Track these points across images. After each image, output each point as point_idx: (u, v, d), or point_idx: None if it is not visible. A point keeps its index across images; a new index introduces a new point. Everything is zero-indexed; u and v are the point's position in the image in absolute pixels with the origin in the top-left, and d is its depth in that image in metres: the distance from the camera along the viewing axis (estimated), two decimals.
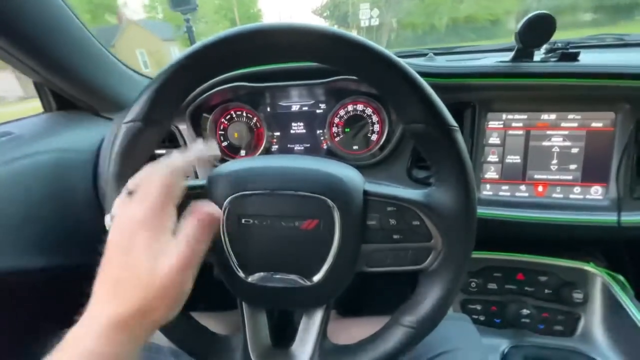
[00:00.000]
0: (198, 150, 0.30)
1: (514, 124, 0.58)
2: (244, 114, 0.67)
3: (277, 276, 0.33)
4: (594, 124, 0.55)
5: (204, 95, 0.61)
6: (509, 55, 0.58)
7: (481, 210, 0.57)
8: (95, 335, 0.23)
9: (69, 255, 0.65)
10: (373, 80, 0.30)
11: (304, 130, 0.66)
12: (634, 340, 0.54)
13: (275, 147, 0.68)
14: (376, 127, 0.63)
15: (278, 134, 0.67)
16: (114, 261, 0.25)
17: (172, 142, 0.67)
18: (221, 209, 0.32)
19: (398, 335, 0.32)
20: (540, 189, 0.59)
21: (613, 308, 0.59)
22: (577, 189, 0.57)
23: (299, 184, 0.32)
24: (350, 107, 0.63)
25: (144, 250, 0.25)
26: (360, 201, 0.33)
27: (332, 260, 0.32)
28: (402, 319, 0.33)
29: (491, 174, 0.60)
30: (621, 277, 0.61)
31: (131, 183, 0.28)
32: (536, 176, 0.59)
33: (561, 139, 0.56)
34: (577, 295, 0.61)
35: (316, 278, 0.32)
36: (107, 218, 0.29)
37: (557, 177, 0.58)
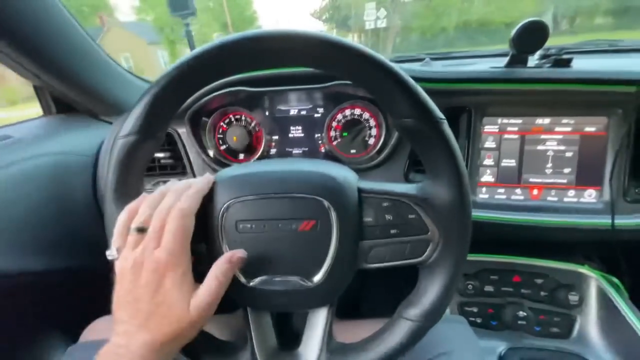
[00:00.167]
0: (203, 186, 0.33)
1: (509, 128, 0.59)
2: (243, 118, 0.67)
3: (278, 279, 0.33)
4: (587, 129, 0.56)
5: (203, 100, 0.62)
6: (504, 61, 0.59)
7: (477, 213, 0.58)
8: (131, 357, 0.27)
9: (68, 258, 0.65)
10: (362, 80, 0.31)
11: (302, 134, 0.67)
12: (628, 341, 0.54)
13: (273, 151, 0.68)
14: (373, 131, 0.64)
15: (276, 137, 0.68)
16: (144, 298, 0.28)
17: (171, 144, 0.67)
18: (218, 215, 0.33)
19: (404, 330, 0.32)
20: (535, 192, 0.60)
21: (608, 310, 0.59)
22: (571, 192, 0.58)
23: (293, 187, 0.32)
24: (347, 112, 0.64)
25: (176, 290, 0.29)
26: (355, 199, 0.33)
27: (331, 260, 0.32)
28: (406, 313, 0.33)
29: (487, 177, 0.61)
30: (615, 280, 0.61)
31: (140, 219, 0.30)
32: (531, 180, 0.59)
33: (555, 143, 0.57)
34: (573, 298, 0.61)
35: (317, 278, 0.32)
36: (113, 251, 0.30)
37: (551, 180, 0.59)
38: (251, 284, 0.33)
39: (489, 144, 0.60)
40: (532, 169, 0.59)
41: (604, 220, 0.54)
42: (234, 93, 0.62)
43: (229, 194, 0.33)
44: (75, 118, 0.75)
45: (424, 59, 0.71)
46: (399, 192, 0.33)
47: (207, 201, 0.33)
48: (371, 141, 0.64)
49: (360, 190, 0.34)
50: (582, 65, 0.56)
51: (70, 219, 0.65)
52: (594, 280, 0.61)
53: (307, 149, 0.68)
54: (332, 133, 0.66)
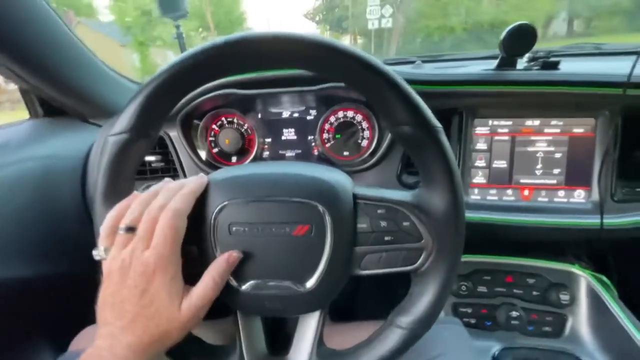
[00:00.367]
0: (197, 187, 0.32)
1: (499, 130, 0.59)
2: (235, 121, 0.67)
3: (271, 283, 0.33)
4: (575, 130, 0.57)
5: (195, 102, 0.61)
6: (494, 64, 0.60)
7: (470, 214, 0.58)
8: (115, 358, 0.26)
9: (56, 265, 0.64)
10: (359, 85, 0.31)
11: (295, 137, 0.67)
12: (618, 339, 0.55)
13: (266, 154, 0.68)
14: (366, 133, 0.64)
15: (269, 140, 0.67)
16: (130, 300, 0.27)
17: (162, 147, 0.66)
18: (211, 217, 0.32)
19: (394, 337, 0.32)
20: (526, 192, 0.60)
21: (598, 308, 0.60)
22: (561, 193, 0.59)
23: (288, 191, 0.32)
24: (340, 114, 0.64)
25: (164, 293, 0.28)
26: (350, 205, 0.33)
27: (325, 265, 0.32)
28: (398, 320, 0.33)
29: (479, 178, 0.61)
30: (605, 278, 0.62)
31: (129, 218, 0.29)
32: (522, 180, 0.60)
33: (545, 144, 0.58)
34: (564, 297, 0.62)
35: (310, 284, 0.32)
36: (100, 251, 0.29)
37: (542, 181, 0.59)
38: (243, 287, 0.33)
39: (481, 145, 0.60)
40: (522, 170, 0.60)
41: (593, 220, 0.55)
42: (226, 95, 0.62)
43: (223, 195, 0.32)
44: (63, 121, 0.74)
45: (415, 61, 0.72)
46: (395, 200, 0.33)
47: (200, 202, 0.32)
48: (364, 143, 0.64)
49: (355, 196, 0.33)
50: (569, 67, 0.57)
51: (59, 225, 0.64)
52: (584, 279, 0.62)
53: (300, 151, 0.67)
54: (325, 135, 0.65)
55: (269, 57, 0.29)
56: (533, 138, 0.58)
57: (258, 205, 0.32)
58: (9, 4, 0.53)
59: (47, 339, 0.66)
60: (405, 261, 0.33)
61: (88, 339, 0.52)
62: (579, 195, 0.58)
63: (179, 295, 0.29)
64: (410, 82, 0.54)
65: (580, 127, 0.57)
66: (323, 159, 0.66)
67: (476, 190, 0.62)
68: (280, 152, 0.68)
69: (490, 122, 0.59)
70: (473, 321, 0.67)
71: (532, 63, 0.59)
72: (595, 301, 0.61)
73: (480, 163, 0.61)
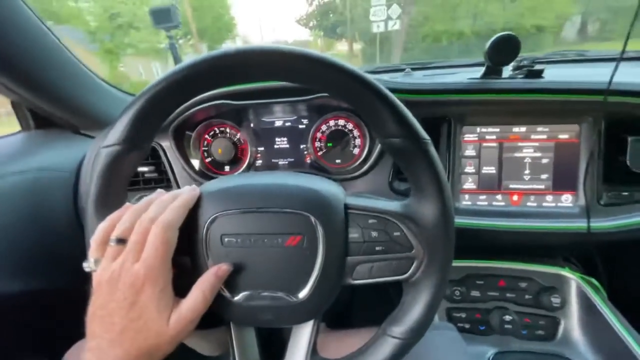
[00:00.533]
0: (189, 198, 0.32)
1: (487, 137, 0.61)
2: (228, 130, 0.67)
3: (264, 294, 0.33)
4: (560, 136, 0.58)
5: (187, 113, 0.62)
6: (481, 71, 0.61)
7: (460, 220, 0.59)
8: None
9: (48, 278, 0.63)
10: (349, 99, 0.31)
11: (288, 145, 0.67)
12: (608, 340, 0.56)
13: (259, 163, 0.68)
14: (358, 142, 0.65)
15: (262, 149, 0.68)
16: (119, 313, 0.27)
17: (155, 158, 0.66)
18: (203, 228, 0.32)
19: (387, 347, 0.32)
20: (515, 198, 0.61)
21: (588, 311, 0.61)
22: (549, 198, 0.60)
23: (280, 202, 0.32)
24: (332, 122, 0.65)
25: (153, 306, 0.28)
26: (342, 215, 0.33)
27: (317, 275, 0.32)
28: (390, 329, 0.33)
29: (469, 184, 0.62)
30: (594, 281, 0.63)
31: (120, 230, 0.29)
32: (511, 186, 0.61)
33: (532, 150, 0.59)
34: (555, 300, 0.63)
35: (302, 294, 0.32)
36: (91, 262, 0.29)
37: (530, 186, 0.60)
38: (235, 299, 0.33)
39: (469, 152, 0.61)
40: (511, 176, 0.61)
41: (580, 224, 0.56)
42: (218, 106, 0.62)
43: (215, 207, 0.33)
44: (55, 133, 0.73)
45: (404, 69, 0.74)
46: (385, 210, 0.33)
47: (192, 214, 0.33)
48: (356, 151, 0.65)
49: (347, 206, 0.34)
50: (553, 75, 0.59)
51: (50, 238, 0.63)
52: (574, 282, 0.63)
53: (292, 159, 0.68)
54: (317, 144, 0.66)
55: (259, 70, 0.30)
56: (520, 144, 0.60)
57: (250, 217, 0.32)
58: None
59: (39, 353, 0.65)
60: (396, 271, 0.33)
61: (80, 354, 0.51)
62: (566, 199, 0.60)
63: (168, 309, 0.28)
64: (400, 91, 0.56)
65: (565, 133, 0.58)
66: (315, 167, 0.67)
67: (467, 196, 0.63)
68: (273, 160, 0.68)
69: (478, 129, 0.61)
70: (467, 326, 0.67)
71: (516, 72, 0.61)
72: (586, 303, 0.62)
73: (470, 169, 0.62)
